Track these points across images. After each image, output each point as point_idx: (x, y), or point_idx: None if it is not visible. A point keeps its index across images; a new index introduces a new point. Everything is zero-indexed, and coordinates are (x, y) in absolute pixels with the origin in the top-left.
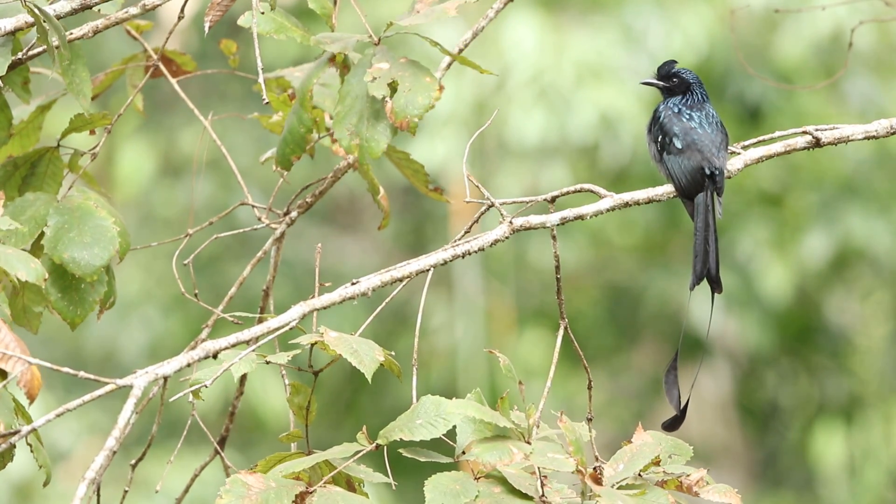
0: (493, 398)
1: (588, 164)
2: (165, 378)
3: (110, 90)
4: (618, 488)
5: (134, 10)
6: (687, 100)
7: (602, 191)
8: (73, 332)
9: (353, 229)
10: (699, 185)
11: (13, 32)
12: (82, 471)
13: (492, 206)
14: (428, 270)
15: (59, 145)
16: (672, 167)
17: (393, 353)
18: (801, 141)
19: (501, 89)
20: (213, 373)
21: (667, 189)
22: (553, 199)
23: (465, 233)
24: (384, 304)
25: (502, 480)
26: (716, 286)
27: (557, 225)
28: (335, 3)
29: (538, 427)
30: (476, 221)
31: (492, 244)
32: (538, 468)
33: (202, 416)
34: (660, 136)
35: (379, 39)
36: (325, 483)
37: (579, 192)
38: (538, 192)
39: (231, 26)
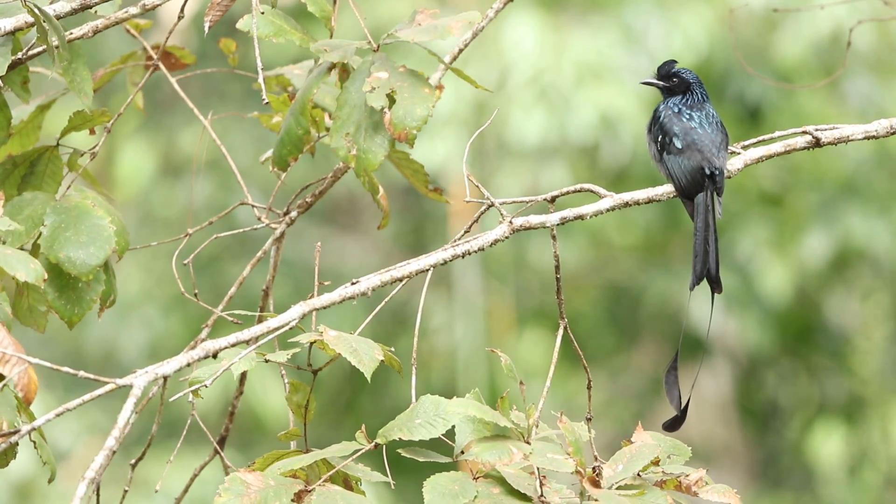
0: (492, 398)
1: (588, 164)
2: (165, 378)
3: (110, 90)
4: (617, 489)
5: (134, 10)
6: (687, 100)
7: (602, 191)
8: (73, 333)
9: (352, 229)
10: (699, 185)
11: (13, 32)
12: (82, 471)
13: (491, 205)
14: (428, 270)
15: (58, 144)
16: (672, 167)
17: (392, 349)
18: (801, 141)
19: (501, 89)
20: (213, 372)
21: (667, 189)
22: (553, 199)
23: (465, 232)
24: (384, 303)
25: (501, 481)
26: (716, 286)
27: (557, 225)
28: (335, 3)
29: (538, 427)
30: (476, 221)
31: (492, 244)
32: (537, 468)
33: (202, 416)
34: (660, 136)
35: (378, 46)
36: (323, 482)
37: (579, 191)
38: (538, 192)
39: (231, 26)
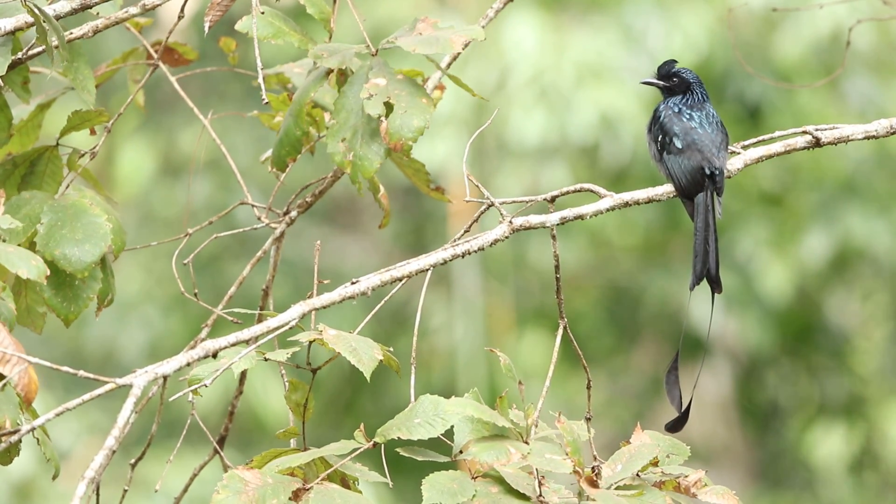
0: (492, 398)
1: (588, 164)
2: (165, 377)
3: (110, 89)
4: (616, 489)
5: (134, 10)
6: (687, 99)
7: (602, 190)
8: (73, 333)
9: (352, 229)
10: (699, 184)
11: (13, 32)
12: (82, 470)
13: (491, 205)
14: (427, 270)
15: (58, 144)
16: (672, 167)
17: (391, 348)
18: (801, 141)
19: (502, 89)
20: (212, 370)
21: (667, 189)
22: (553, 199)
23: (465, 232)
24: (382, 302)
25: (500, 480)
26: (716, 286)
27: (557, 225)
28: (334, 4)
29: (537, 427)
30: (476, 221)
31: (492, 244)
32: (535, 468)
33: (203, 417)
34: (660, 136)
35: (376, 51)
36: (321, 480)
37: (579, 191)
38: (538, 192)
39: (230, 26)
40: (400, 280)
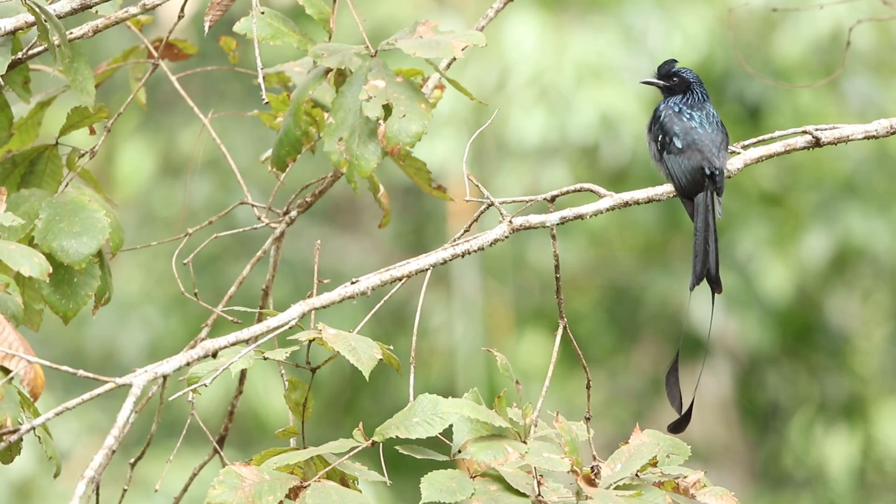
0: (492, 398)
1: (588, 164)
2: (165, 377)
3: (110, 89)
4: (615, 489)
5: (134, 10)
6: (687, 99)
7: (602, 190)
8: (72, 332)
9: (352, 229)
10: (699, 184)
11: (13, 32)
12: (82, 470)
13: (491, 205)
14: (427, 270)
15: (57, 143)
16: (672, 167)
17: (391, 347)
18: (801, 141)
19: (502, 89)
20: (211, 369)
21: (667, 189)
22: (553, 199)
23: (465, 232)
24: (382, 301)
25: (499, 479)
26: (716, 286)
27: (557, 224)
28: (334, 4)
29: (536, 426)
30: (476, 220)
31: (491, 243)
32: (534, 468)
33: (203, 417)
34: (660, 136)
35: (376, 52)
36: (319, 479)
37: (579, 191)
38: (538, 192)
39: (230, 25)
40: (400, 280)
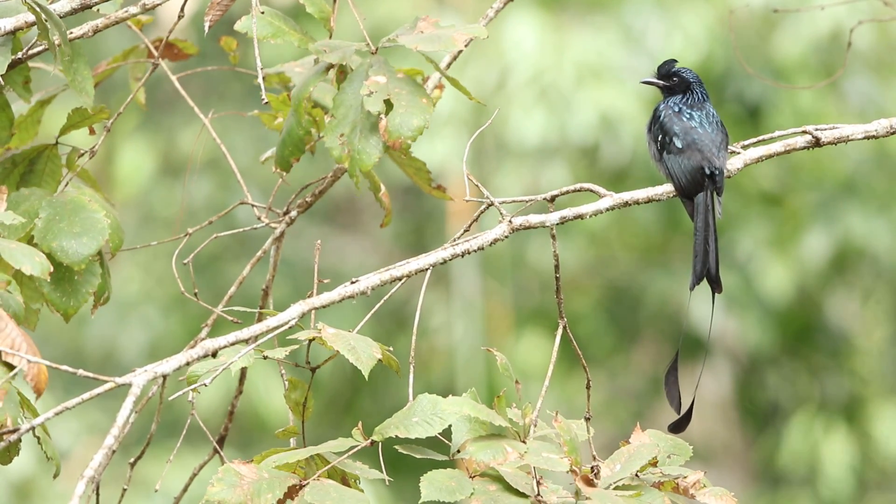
0: (491, 398)
1: (588, 164)
2: (164, 376)
3: (110, 89)
4: (614, 489)
5: (134, 10)
6: (687, 99)
7: (602, 190)
8: (72, 333)
9: (352, 229)
10: (699, 184)
11: (13, 32)
12: (81, 470)
13: (491, 205)
14: (427, 270)
15: (57, 143)
16: (672, 167)
17: (391, 348)
18: (801, 141)
19: (501, 89)
20: (211, 367)
21: (666, 189)
22: (552, 199)
23: (465, 232)
24: (382, 301)
25: (498, 479)
26: (716, 286)
27: (557, 224)
28: (334, 3)
29: (535, 426)
30: (475, 220)
31: (491, 243)
32: (534, 468)
33: (204, 417)
34: (660, 136)
35: (376, 49)
36: (318, 477)
37: (579, 191)
38: (538, 192)
39: (230, 25)
40: (399, 279)
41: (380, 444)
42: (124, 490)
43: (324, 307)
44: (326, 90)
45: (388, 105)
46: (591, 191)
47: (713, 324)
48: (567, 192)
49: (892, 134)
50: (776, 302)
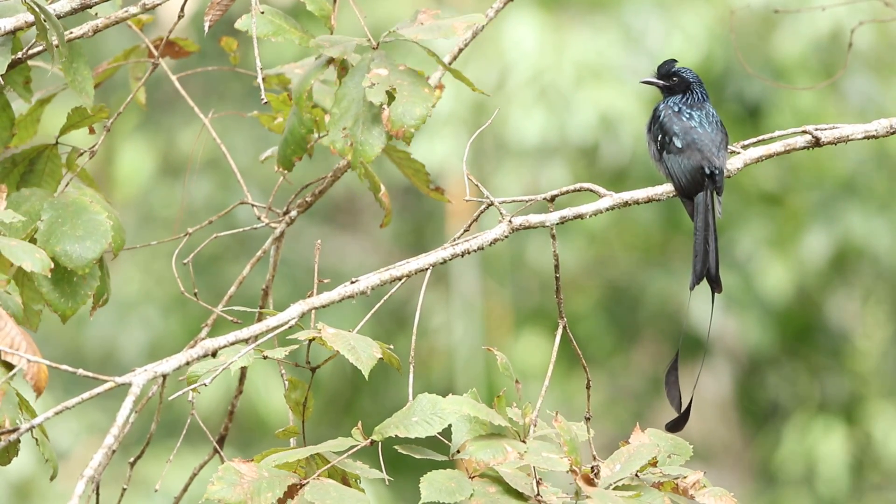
0: (491, 398)
1: (587, 164)
2: (164, 376)
3: (110, 89)
4: (614, 489)
5: (134, 10)
6: (687, 99)
7: (601, 190)
8: (72, 333)
9: (352, 229)
10: (699, 184)
11: (13, 32)
12: (81, 470)
13: (491, 204)
14: (427, 269)
15: (57, 143)
16: (672, 166)
17: (391, 346)
18: (801, 140)
19: (501, 89)
20: (210, 367)
21: (666, 188)
22: (552, 199)
23: (464, 232)
24: (382, 301)
25: (498, 479)
26: (716, 286)
27: (556, 224)
28: (334, 3)
29: (535, 426)
30: (475, 220)
31: (491, 243)
32: (534, 468)
33: (204, 417)
34: (660, 135)
35: (378, 44)
36: (318, 476)
37: (579, 191)
38: (538, 192)
39: (231, 25)
40: (399, 279)
41: (380, 443)
42: (124, 490)
43: (324, 307)
44: (326, 92)
45: (391, 96)
46: (591, 191)
47: (713, 324)
48: (567, 192)
49: (892, 134)
50: (776, 302)
